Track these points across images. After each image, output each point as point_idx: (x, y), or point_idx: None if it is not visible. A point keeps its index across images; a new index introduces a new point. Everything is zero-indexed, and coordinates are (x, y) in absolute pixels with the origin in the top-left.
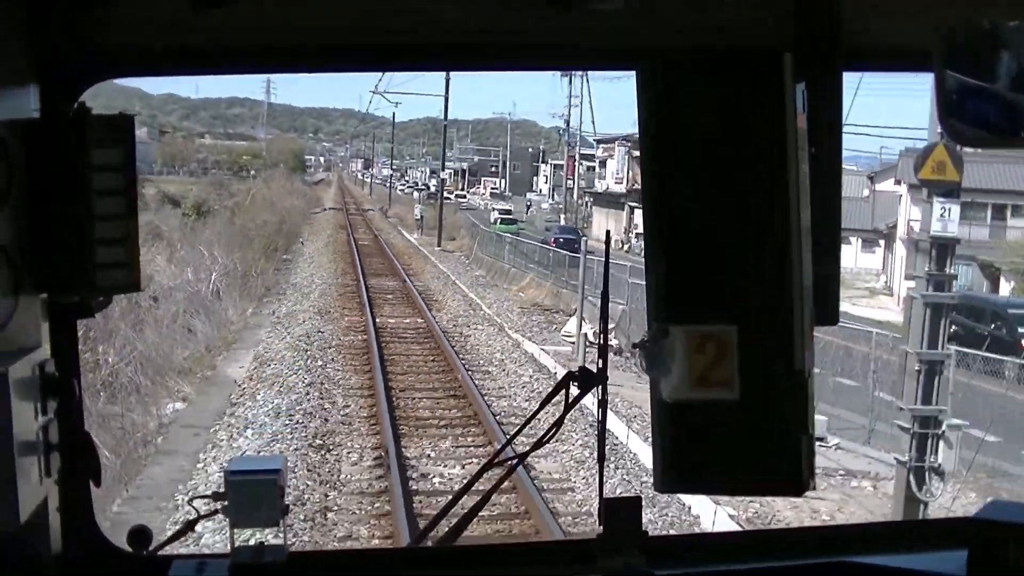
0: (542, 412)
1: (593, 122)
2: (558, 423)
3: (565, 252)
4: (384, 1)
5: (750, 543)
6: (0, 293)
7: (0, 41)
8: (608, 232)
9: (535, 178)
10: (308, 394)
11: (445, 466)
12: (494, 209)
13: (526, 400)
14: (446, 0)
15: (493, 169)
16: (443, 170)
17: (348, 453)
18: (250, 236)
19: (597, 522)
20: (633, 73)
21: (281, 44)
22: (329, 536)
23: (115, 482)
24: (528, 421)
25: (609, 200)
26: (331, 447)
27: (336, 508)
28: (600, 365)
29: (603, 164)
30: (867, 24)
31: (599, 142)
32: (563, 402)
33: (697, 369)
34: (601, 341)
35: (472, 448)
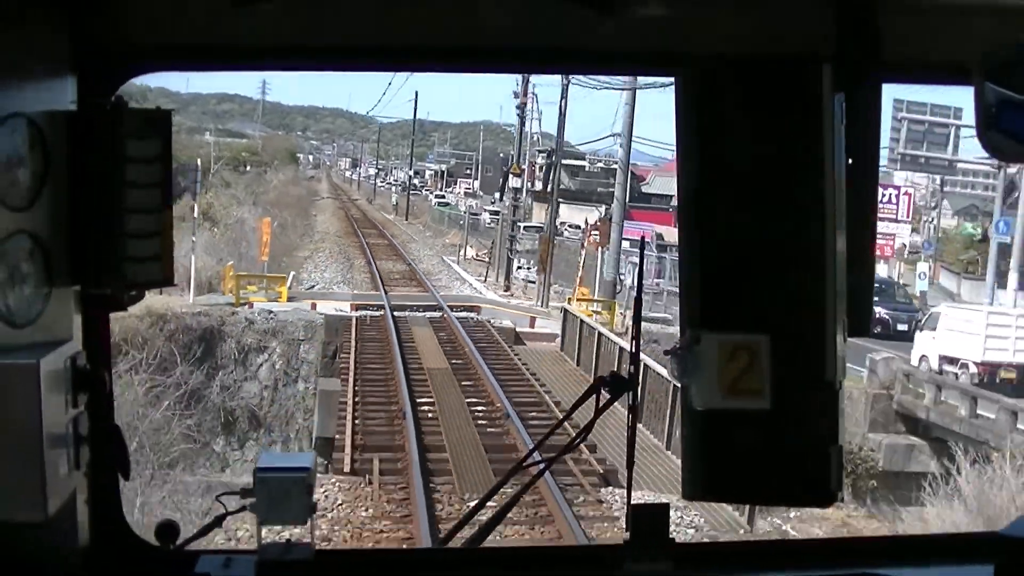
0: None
1: (561, 132)
2: (587, 428)
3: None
4: (421, 3)
5: (776, 552)
6: (33, 285)
7: (39, 34)
8: (643, 239)
9: (503, 180)
10: (342, 254)
11: (390, 263)
12: (435, 196)
13: (432, 266)
14: (483, 3)
15: (468, 171)
16: (411, 168)
17: (359, 263)
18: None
19: (625, 528)
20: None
21: (315, 43)
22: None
23: None
24: (558, 426)
25: (541, 197)
26: (353, 262)
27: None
28: (631, 371)
29: (541, 168)
30: (907, 36)
31: (539, 151)
32: (593, 407)
33: (728, 378)
34: (633, 348)
35: (403, 270)
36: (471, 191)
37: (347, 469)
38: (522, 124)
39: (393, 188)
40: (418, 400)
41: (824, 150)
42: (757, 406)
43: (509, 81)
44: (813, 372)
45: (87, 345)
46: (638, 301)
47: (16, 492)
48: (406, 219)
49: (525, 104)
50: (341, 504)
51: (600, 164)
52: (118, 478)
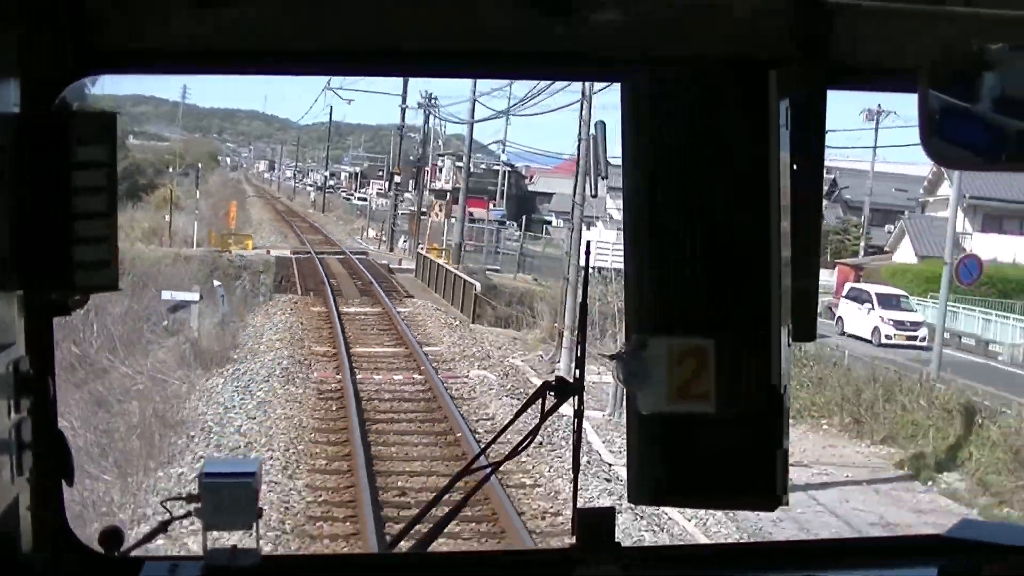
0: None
1: (470, 135)
2: (533, 432)
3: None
4: (378, 6)
5: (723, 556)
6: None
7: None
8: (588, 243)
9: (388, 180)
10: (278, 231)
11: (313, 235)
12: (357, 197)
13: (342, 238)
14: (440, 6)
15: (380, 173)
16: (327, 169)
17: (291, 236)
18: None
19: (571, 533)
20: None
21: (271, 46)
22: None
23: None
24: (503, 431)
25: (440, 194)
26: (287, 235)
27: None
28: (576, 376)
29: (440, 169)
30: (854, 43)
31: (440, 155)
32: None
33: (676, 382)
34: (579, 352)
35: (322, 239)
36: (382, 191)
37: (300, 293)
38: (425, 139)
39: (310, 189)
40: (330, 280)
41: (769, 155)
42: (703, 410)
43: (424, 86)
44: (759, 376)
45: (30, 350)
46: (583, 307)
47: None
48: (323, 212)
49: (430, 114)
50: (296, 302)
51: (483, 166)
52: (62, 484)
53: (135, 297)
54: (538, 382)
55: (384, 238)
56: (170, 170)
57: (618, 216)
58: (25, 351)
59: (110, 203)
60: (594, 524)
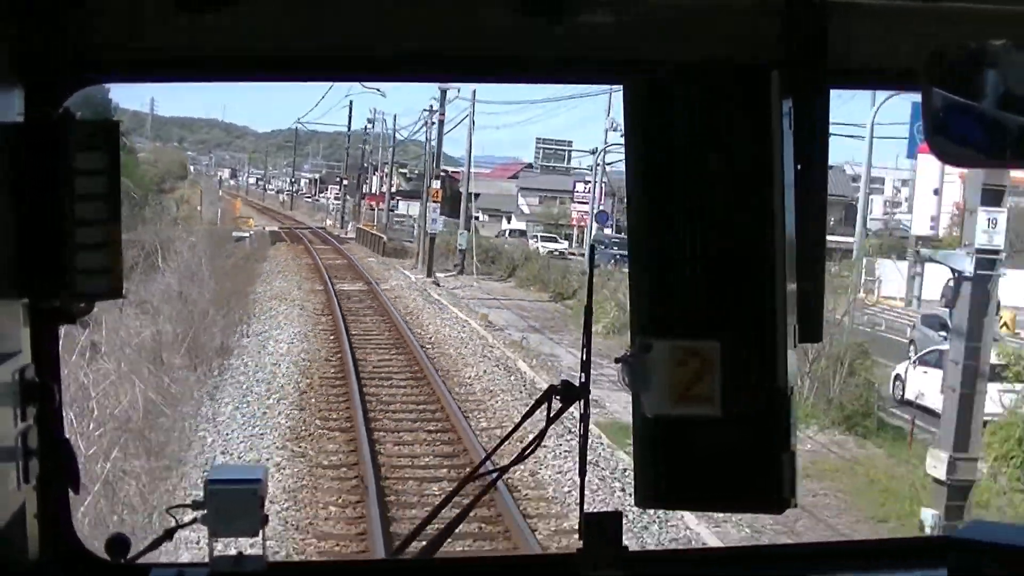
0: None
1: (429, 141)
2: (539, 437)
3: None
4: (371, 13)
5: (730, 559)
6: None
7: None
8: (592, 247)
9: (362, 186)
10: (263, 220)
11: (288, 222)
12: (323, 198)
13: (307, 224)
14: (436, 12)
15: (338, 179)
16: (293, 174)
17: (273, 222)
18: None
19: (578, 537)
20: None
21: (267, 53)
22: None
23: None
24: (509, 435)
25: (392, 195)
26: (271, 221)
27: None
28: (582, 379)
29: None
30: (855, 43)
31: (385, 163)
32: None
33: (680, 384)
34: (584, 356)
35: (294, 224)
36: (339, 196)
37: (288, 243)
38: (395, 144)
39: (276, 193)
40: (305, 239)
41: (773, 156)
42: (709, 413)
43: (380, 95)
44: (765, 378)
45: (36, 358)
46: (588, 310)
47: None
48: (291, 209)
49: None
50: (288, 247)
51: (417, 172)
52: (68, 492)
53: (215, 236)
54: (402, 272)
55: (337, 224)
56: (191, 171)
57: (527, 210)
58: (31, 359)
59: (113, 210)
60: (601, 527)
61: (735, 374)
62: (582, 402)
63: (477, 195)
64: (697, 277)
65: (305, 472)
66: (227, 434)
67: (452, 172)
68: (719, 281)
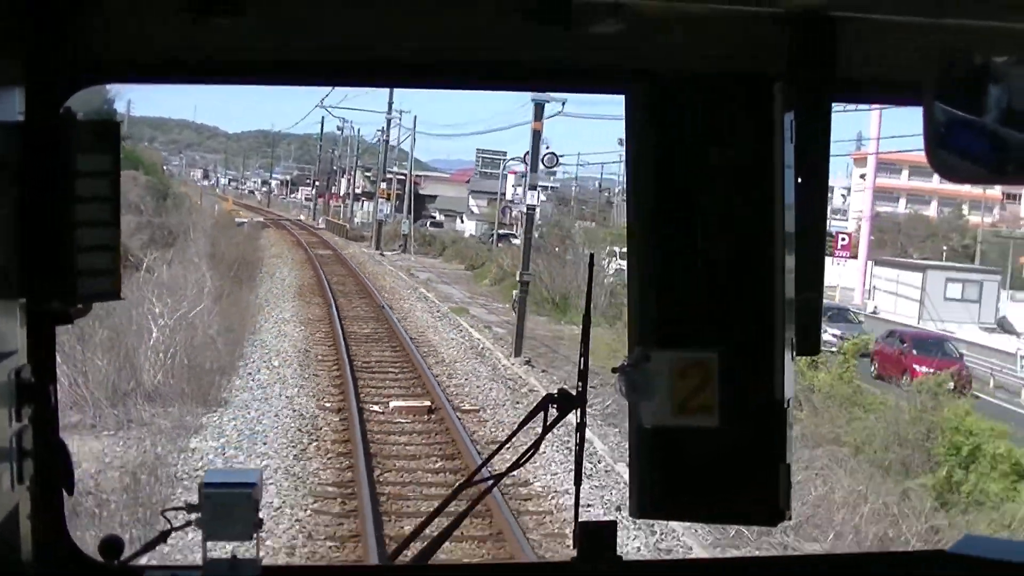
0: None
1: (401, 145)
2: (535, 445)
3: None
4: (376, 18)
5: (724, 569)
6: None
7: None
8: (592, 256)
9: (331, 188)
10: (247, 209)
11: (269, 216)
12: (283, 196)
13: (284, 215)
14: (442, 18)
15: (308, 181)
16: (271, 178)
17: (258, 215)
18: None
19: (572, 546)
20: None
21: (268, 57)
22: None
23: None
24: (504, 443)
25: (358, 197)
26: (257, 214)
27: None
28: (579, 388)
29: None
30: (859, 56)
31: (353, 168)
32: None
33: (679, 395)
34: (581, 365)
35: (276, 218)
36: (309, 197)
37: (275, 229)
38: (338, 158)
39: (250, 193)
40: (288, 227)
41: (774, 168)
42: (706, 424)
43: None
44: (762, 390)
45: (32, 359)
46: (586, 318)
47: None
48: (268, 207)
49: (388, 129)
50: (276, 231)
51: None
52: (63, 493)
53: (222, 222)
54: (361, 250)
55: (310, 218)
56: (165, 171)
57: (477, 211)
58: (27, 359)
59: (113, 212)
60: (595, 536)
61: (733, 386)
62: (578, 410)
63: (435, 196)
64: (697, 288)
65: (302, 308)
66: (267, 296)
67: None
68: (718, 292)
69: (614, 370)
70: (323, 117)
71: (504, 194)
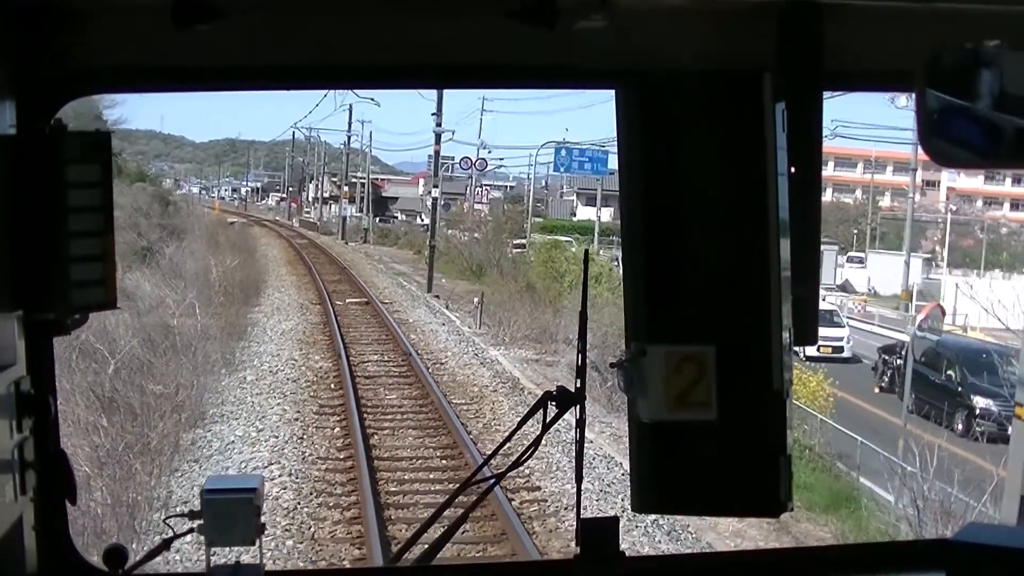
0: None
1: (368, 147)
2: (535, 443)
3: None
4: (363, 22)
5: (728, 564)
6: None
7: None
8: (587, 251)
9: (302, 193)
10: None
11: (249, 219)
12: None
13: (261, 217)
14: (429, 20)
15: (277, 188)
16: (245, 184)
17: (238, 218)
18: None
19: (575, 542)
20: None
21: (258, 63)
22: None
23: None
24: (504, 442)
25: (327, 200)
26: (237, 218)
27: None
28: (578, 385)
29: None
30: (849, 45)
31: (322, 173)
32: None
33: (675, 389)
34: (580, 361)
35: (256, 219)
36: (280, 201)
37: (259, 227)
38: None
39: (223, 199)
40: (265, 226)
41: (767, 160)
42: (705, 417)
43: (313, 102)
44: (760, 382)
45: (31, 370)
46: (583, 315)
47: None
48: (245, 210)
49: (367, 134)
50: (261, 229)
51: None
52: (65, 503)
53: (216, 222)
54: (330, 241)
55: (285, 218)
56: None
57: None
58: (26, 371)
59: (106, 222)
60: (597, 534)
61: (731, 379)
62: (577, 407)
63: (396, 198)
64: (691, 282)
65: (291, 271)
66: (266, 265)
67: (376, 180)
68: (714, 286)
69: (612, 365)
70: (293, 133)
71: (464, 193)
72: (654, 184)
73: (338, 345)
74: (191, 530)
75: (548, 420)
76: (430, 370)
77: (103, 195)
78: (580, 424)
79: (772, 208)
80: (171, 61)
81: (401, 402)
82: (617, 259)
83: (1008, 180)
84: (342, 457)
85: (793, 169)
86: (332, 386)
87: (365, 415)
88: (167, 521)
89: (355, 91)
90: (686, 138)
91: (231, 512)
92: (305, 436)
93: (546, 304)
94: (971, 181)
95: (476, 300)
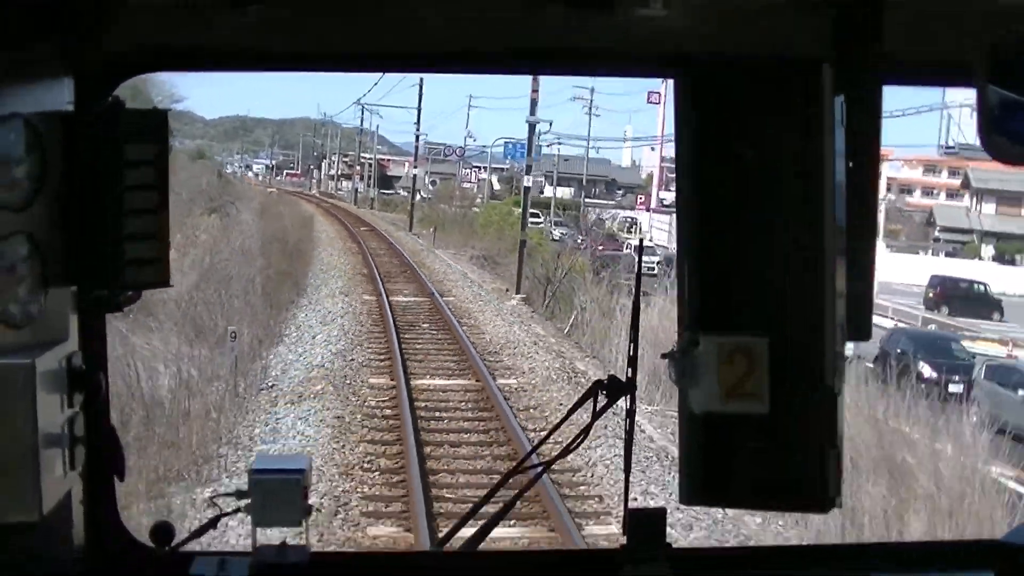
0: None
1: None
2: (585, 431)
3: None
4: (418, 6)
5: (776, 557)
6: (30, 285)
7: (34, 35)
8: (640, 240)
9: (315, 171)
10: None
11: (278, 190)
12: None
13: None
14: (480, 5)
15: (291, 166)
16: (269, 160)
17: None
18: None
19: (621, 532)
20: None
21: (310, 46)
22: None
23: None
24: (555, 428)
25: (338, 177)
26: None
27: None
28: (629, 374)
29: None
30: (908, 37)
31: (335, 153)
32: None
33: (727, 381)
34: (632, 351)
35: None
36: (292, 177)
37: (289, 195)
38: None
39: (249, 175)
40: (294, 195)
41: (824, 152)
42: (756, 410)
43: (326, 82)
44: (812, 376)
45: (84, 346)
46: (636, 304)
47: (11, 493)
48: (269, 184)
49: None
50: (294, 195)
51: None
52: (114, 479)
53: (260, 191)
54: (345, 205)
55: (307, 190)
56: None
57: (432, 188)
58: (79, 347)
59: (161, 200)
60: (645, 524)
61: (783, 371)
62: (628, 396)
63: (399, 177)
64: (746, 273)
65: (327, 217)
66: (313, 215)
67: (382, 160)
68: (768, 277)
69: (663, 356)
70: (304, 135)
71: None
72: (710, 173)
73: (360, 242)
74: (238, 510)
75: (598, 409)
76: (408, 256)
77: (159, 173)
78: (631, 414)
79: (828, 201)
80: (227, 41)
81: (390, 260)
82: (551, 227)
83: (944, 172)
84: (371, 291)
85: (851, 162)
86: (360, 257)
87: (378, 269)
88: (214, 500)
89: (406, 73)
90: (743, 127)
91: (278, 493)
92: (352, 280)
93: (469, 236)
94: (911, 172)
95: (432, 230)
